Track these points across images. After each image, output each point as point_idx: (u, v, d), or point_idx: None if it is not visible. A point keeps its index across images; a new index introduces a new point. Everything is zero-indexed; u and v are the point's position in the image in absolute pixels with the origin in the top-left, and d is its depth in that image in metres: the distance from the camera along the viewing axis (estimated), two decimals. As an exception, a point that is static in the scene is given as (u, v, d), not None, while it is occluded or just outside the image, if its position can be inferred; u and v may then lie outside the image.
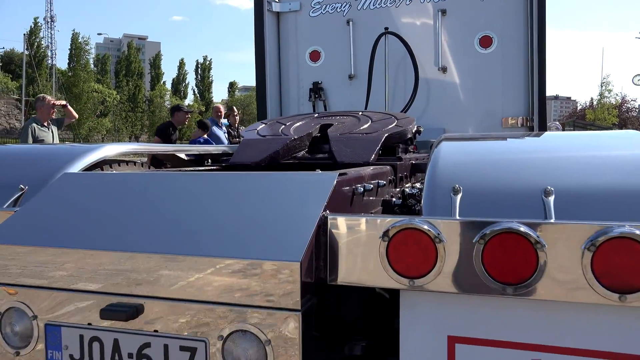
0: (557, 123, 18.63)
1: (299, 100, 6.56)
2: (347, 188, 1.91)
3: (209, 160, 3.79)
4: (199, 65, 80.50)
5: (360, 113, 3.80)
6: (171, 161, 3.90)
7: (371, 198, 2.23)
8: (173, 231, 1.62)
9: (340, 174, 1.79)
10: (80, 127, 59.53)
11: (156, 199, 1.82)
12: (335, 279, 1.52)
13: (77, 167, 2.25)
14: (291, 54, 6.62)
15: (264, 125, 3.75)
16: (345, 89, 6.32)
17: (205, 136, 8.81)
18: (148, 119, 64.98)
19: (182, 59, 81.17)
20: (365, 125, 3.44)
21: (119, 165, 3.11)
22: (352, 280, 1.51)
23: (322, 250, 1.51)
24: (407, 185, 2.98)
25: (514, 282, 1.37)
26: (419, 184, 3.42)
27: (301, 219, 1.55)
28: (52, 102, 7.63)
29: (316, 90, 6.42)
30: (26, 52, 54.51)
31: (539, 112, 5.63)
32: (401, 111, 5.59)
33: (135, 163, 3.31)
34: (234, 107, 10.16)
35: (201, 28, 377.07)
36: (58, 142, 7.68)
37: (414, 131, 3.44)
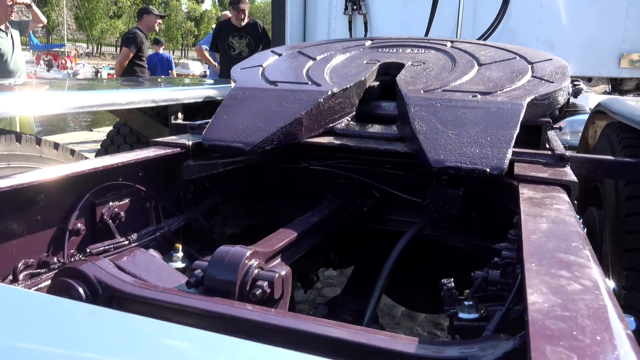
0: None
1: (330, 12, 4.77)
2: None
3: (178, 114, 2.17)
4: (219, -33, 75.55)
5: (450, 44, 2.10)
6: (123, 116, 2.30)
7: None
8: None
9: None
10: (92, 28, 56.86)
11: None
12: None
13: None
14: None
15: (274, 58, 2.08)
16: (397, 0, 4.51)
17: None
18: (163, 22, 61.79)
19: (200, -41, 76.41)
20: (470, 74, 1.77)
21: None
22: None
23: None
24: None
25: None
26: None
27: None
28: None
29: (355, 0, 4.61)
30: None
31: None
32: (479, 39, 3.82)
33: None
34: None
35: None
36: (20, 50, 6.03)
37: (569, 92, 1.77)
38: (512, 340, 0.67)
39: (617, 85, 4.57)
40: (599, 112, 2.61)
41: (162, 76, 7.57)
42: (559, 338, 0.51)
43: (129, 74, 6.63)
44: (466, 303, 1.17)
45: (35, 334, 0.50)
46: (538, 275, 0.67)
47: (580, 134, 3.09)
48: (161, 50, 8.53)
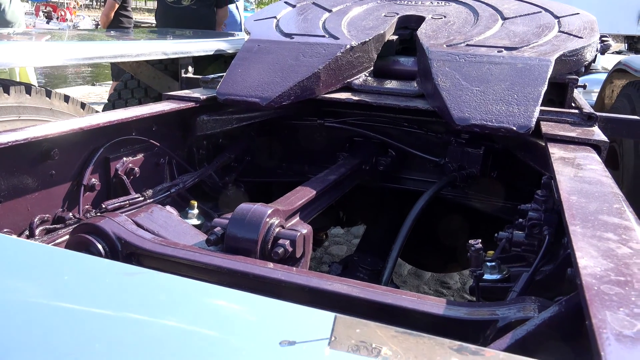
0: None
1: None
2: None
3: (189, 68, 2.12)
4: None
5: (471, -3, 2.02)
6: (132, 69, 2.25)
7: None
8: None
9: None
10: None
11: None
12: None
13: None
14: None
15: (287, 10, 2.01)
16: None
17: None
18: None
19: None
20: (494, 29, 1.70)
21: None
22: None
23: None
24: None
25: None
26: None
27: None
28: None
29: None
30: None
31: None
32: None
33: None
34: None
35: None
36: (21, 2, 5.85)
37: (598, 48, 1.71)
38: (556, 305, 0.65)
39: (633, 44, 4.45)
40: (618, 70, 2.54)
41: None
42: (618, 304, 0.49)
43: (115, 25, 6.40)
44: (489, 264, 1.15)
45: (73, 293, 0.47)
46: (585, 238, 0.64)
47: (594, 94, 3.02)
48: None
